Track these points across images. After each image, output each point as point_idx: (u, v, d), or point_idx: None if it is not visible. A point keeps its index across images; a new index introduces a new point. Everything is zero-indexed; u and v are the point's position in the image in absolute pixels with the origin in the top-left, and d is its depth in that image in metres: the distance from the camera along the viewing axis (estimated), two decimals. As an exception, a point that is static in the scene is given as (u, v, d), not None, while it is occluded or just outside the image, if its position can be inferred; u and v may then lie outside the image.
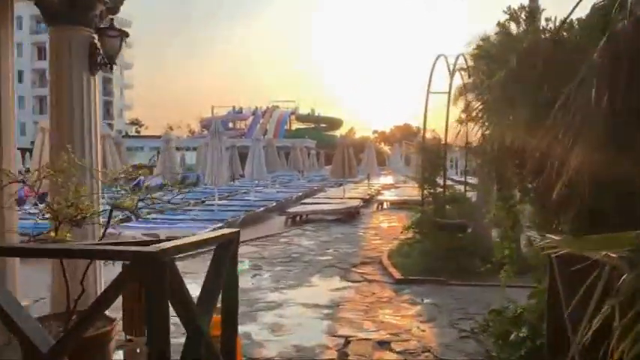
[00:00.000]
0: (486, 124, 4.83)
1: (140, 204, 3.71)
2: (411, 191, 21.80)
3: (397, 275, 8.18)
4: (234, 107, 73.65)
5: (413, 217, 10.82)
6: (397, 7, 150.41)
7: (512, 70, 4.29)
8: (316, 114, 78.13)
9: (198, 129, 73.30)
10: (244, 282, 7.93)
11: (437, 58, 10.35)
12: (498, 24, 5.53)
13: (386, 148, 65.95)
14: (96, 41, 5.40)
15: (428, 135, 10.42)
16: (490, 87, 4.54)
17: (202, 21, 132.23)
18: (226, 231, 3.41)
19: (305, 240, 12.21)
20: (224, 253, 3.32)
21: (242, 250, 11.50)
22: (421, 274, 8.10)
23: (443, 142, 10.04)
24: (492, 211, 6.32)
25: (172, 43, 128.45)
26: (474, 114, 5.05)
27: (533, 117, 4.21)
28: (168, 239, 9.49)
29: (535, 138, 4.12)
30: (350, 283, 8.00)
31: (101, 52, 5.41)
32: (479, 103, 4.99)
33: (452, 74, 10.22)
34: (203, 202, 18.17)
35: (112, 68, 5.48)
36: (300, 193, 23.16)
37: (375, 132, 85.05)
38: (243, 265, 9.65)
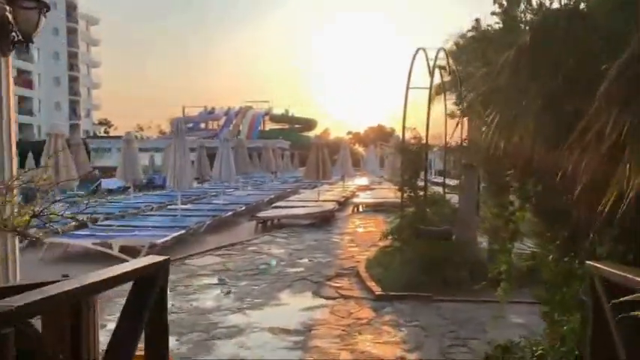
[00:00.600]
0: (487, 117, 4.00)
1: (35, 221, 2.73)
2: (387, 193, 21.11)
3: (377, 290, 7.29)
4: (205, 107, 71.88)
5: (392, 222, 10.01)
6: (377, 9, 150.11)
7: (523, 50, 3.46)
8: (290, 114, 76.99)
9: (169, 129, 71.25)
10: (202, 301, 6.94)
11: (416, 52, 9.56)
12: (495, 1, 4.75)
13: (360, 149, 65.38)
14: (8, 14, 4.36)
15: (408, 134, 9.59)
16: (496, 72, 3.69)
17: (180, 21, 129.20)
18: (149, 260, 2.45)
19: (275, 248, 11.22)
20: (146, 291, 2.37)
21: (205, 261, 10.35)
22: (403, 288, 7.23)
23: (424, 141, 9.26)
24: (487, 219, 5.50)
25: (150, 43, 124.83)
26: (473, 105, 4.19)
27: (550, 107, 3.39)
28: (122, 250, 8.00)
29: (554, 132, 3.30)
30: (324, 301, 7.07)
31: (14, 27, 4.38)
32: (478, 93, 4.17)
33: (432, 69, 9.45)
34: (166, 206, 16.94)
35: (28, 47, 4.43)
36: (273, 196, 22.12)
37: (349, 133, 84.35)
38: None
